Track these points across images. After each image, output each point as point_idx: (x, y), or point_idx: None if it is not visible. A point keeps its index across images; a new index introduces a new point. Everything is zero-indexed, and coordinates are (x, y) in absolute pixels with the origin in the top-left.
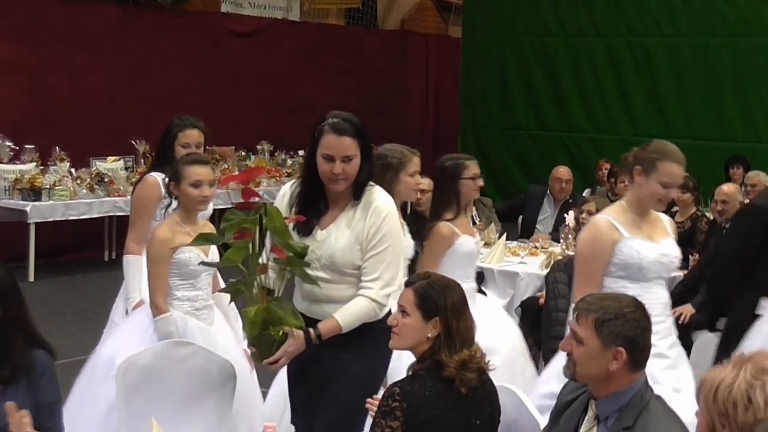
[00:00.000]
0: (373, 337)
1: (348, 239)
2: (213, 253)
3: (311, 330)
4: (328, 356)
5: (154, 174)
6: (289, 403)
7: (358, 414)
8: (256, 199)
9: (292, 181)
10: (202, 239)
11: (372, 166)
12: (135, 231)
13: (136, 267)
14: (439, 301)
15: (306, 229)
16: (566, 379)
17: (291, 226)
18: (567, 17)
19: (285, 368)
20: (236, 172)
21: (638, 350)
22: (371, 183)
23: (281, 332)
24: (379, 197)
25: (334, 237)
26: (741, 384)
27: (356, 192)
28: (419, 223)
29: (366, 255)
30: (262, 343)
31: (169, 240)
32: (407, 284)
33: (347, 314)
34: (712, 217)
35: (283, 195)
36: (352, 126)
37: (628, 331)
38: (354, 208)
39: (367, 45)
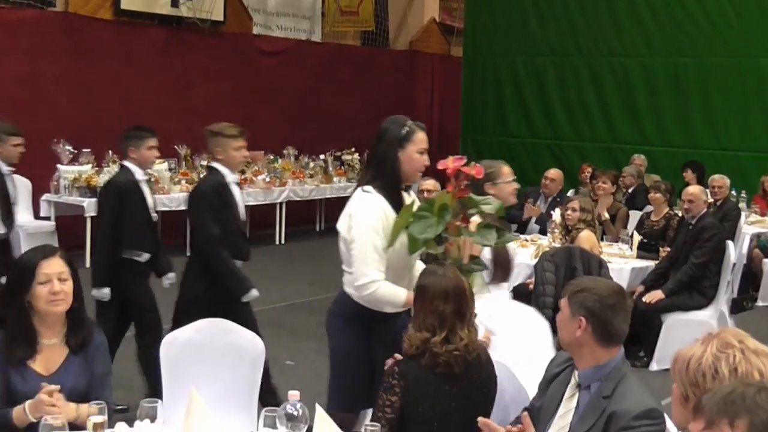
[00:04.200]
0: None
1: None
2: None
3: None
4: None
5: None
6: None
7: None
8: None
9: (367, 193)
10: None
11: None
12: None
13: None
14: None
15: None
16: None
17: None
18: (554, 40)
19: None
20: (265, 174)
21: (600, 323)
22: None
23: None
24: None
25: None
26: (708, 357)
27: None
28: None
29: None
30: None
31: None
32: None
33: None
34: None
35: (383, 210)
36: None
37: (590, 303)
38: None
39: (379, 63)
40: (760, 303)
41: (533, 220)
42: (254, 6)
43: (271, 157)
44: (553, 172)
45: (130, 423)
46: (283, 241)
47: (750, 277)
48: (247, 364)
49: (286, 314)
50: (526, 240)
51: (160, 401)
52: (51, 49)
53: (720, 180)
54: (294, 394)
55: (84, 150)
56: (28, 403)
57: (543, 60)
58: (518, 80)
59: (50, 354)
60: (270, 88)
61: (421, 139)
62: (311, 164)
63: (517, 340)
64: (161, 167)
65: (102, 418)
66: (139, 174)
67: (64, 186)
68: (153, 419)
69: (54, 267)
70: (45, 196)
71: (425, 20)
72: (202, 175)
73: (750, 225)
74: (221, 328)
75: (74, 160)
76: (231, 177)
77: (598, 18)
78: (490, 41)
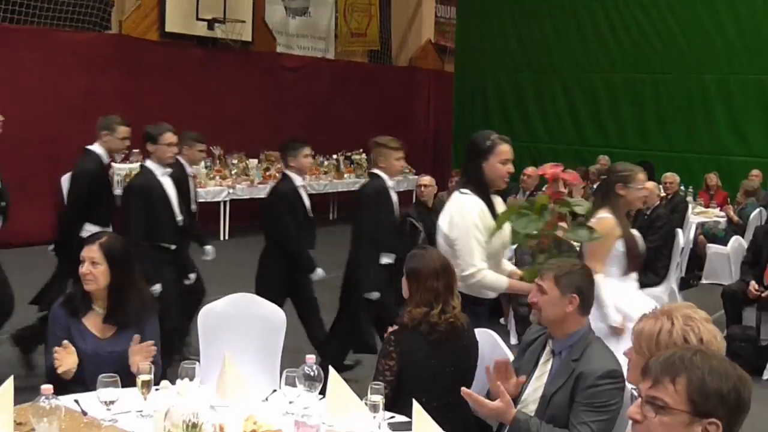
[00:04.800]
0: None
1: None
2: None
3: None
4: None
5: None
6: None
7: None
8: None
9: (465, 194)
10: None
11: None
12: None
13: None
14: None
15: None
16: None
17: None
18: (532, 58)
19: None
20: None
21: (585, 298)
22: None
23: None
24: None
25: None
26: (678, 330)
27: None
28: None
29: None
30: None
31: None
32: None
33: None
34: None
35: (481, 209)
36: None
37: (578, 282)
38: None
39: (383, 77)
40: (704, 281)
41: None
42: (278, 29)
43: None
44: (530, 170)
45: (172, 381)
46: None
47: (695, 260)
48: (270, 332)
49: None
50: None
51: (198, 362)
52: (107, 65)
53: (671, 177)
54: (311, 357)
55: (133, 150)
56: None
57: (522, 75)
58: (501, 92)
59: (100, 321)
60: (291, 98)
61: (503, 150)
62: (325, 163)
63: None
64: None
65: (149, 377)
66: (298, 181)
67: (117, 180)
68: (192, 378)
69: (88, 252)
70: None
71: (423, 41)
72: (364, 180)
73: (696, 215)
74: (249, 301)
75: (125, 159)
76: (390, 182)
77: (569, 40)
78: (478, 59)
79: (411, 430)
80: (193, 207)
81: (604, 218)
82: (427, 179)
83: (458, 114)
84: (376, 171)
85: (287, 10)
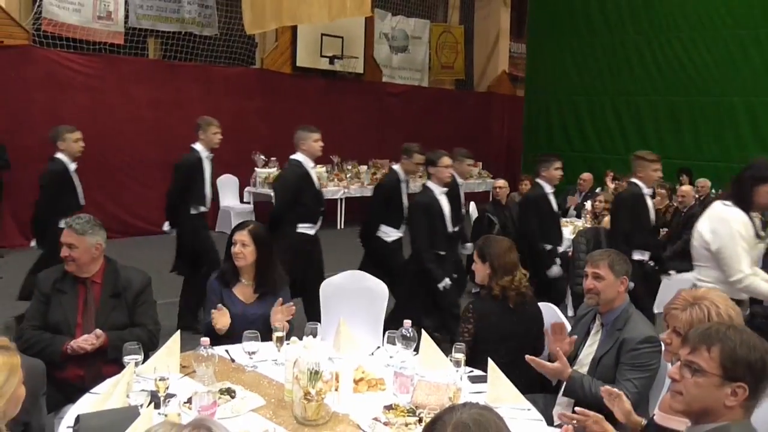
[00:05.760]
0: None
1: None
2: None
3: None
4: None
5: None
6: None
7: None
8: None
9: (728, 206)
10: None
11: None
12: None
13: None
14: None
15: None
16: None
17: None
18: (587, 83)
19: None
20: None
21: (629, 280)
22: None
23: None
24: None
25: None
26: (728, 309)
27: None
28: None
29: None
30: None
31: None
32: None
33: None
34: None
35: (744, 221)
36: None
37: (626, 266)
38: None
39: (467, 101)
40: None
41: (572, 208)
42: (384, 63)
43: (393, 164)
44: (586, 175)
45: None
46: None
47: None
48: (375, 301)
49: None
50: (567, 221)
51: (319, 323)
52: (251, 92)
53: (703, 182)
54: (407, 322)
55: (271, 158)
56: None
57: (579, 98)
58: (562, 112)
59: (248, 291)
60: (393, 118)
61: None
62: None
63: None
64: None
65: (282, 333)
66: (548, 188)
67: (258, 182)
68: (315, 335)
69: (239, 236)
70: (247, 189)
71: (499, 71)
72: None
73: None
74: (359, 276)
75: (265, 165)
76: (646, 190)
77: (618, 69)
78: (543, 85)
79: (486, 382)
80: (463, 211)
81: None
82: (501, 182)
83: (527, 130)
84: (633, 180)
85: (391, 48)
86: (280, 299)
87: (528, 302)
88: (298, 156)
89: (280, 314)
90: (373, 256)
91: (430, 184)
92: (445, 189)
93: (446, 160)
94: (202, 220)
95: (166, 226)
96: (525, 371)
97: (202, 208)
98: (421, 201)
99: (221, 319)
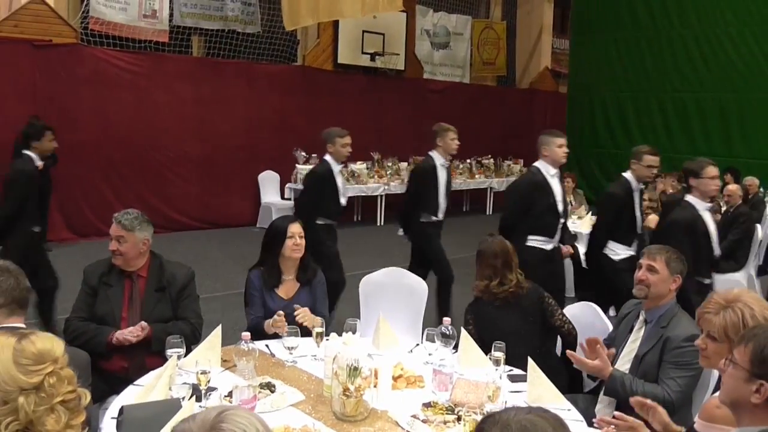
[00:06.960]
0: None
1: None
2: None
3: None
4: None
5: None
6: None
7: None
8: None
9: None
10: None
11: None
12: None
13: None
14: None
15: None
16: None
17: None
18: (632, 80)
19: None
20: None
21: (682, 279)
22: None
23: None
24: None
25: None
26: (758, 314)
27: None
28: None
29: None
30: None
31: None
32: None
33: None
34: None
35: None
36: None
37: (681, 266)
38: None
39: (509, 98)
40: None
41: None
42: (424, 59)
43: None
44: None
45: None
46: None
47: None
48: (415, 298)
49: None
50: None
51: (359, 320)
52: (294, 89)
53: (751, 180)
54: (447, 320)
55: (312, 155)
56: (266, 321)
57: (623, 95)
58: (605, 109)
59: (289, 286)
60: (434, 115)
61: None
62: (460, 166)
63: None
64: (361, 167)
65: (322, 329)
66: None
67: (300, 178)
68: (354, 332)
69: (295, 228)
70: (288, 185)
71: (541, 68)
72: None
73: None
74: (399, 273)
75: (306, 161)
76: (703, 207)
77: (664, 64)
78: (586, 82)
79: (525, 381)
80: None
81: None
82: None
83: (570, 127)
84: (687, 198)
85: (432, 45)
86: (296, 306)
87: (528, 293)
88: (690, 198)
89: (301, 320)
90: (599, 274)
91: (690, 199)
92: (709, 205)
93: (712, 170)
94: (437, 228)
95: (400, 231)
96: (550, 364)
97: (434, 218)
98: (681, 217)
99: (284, 327)
